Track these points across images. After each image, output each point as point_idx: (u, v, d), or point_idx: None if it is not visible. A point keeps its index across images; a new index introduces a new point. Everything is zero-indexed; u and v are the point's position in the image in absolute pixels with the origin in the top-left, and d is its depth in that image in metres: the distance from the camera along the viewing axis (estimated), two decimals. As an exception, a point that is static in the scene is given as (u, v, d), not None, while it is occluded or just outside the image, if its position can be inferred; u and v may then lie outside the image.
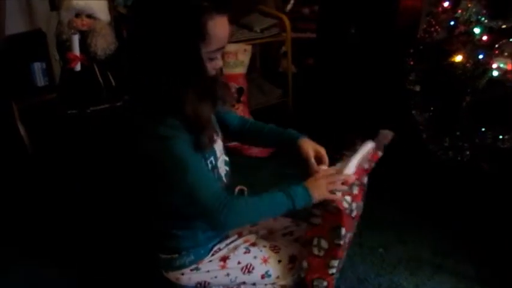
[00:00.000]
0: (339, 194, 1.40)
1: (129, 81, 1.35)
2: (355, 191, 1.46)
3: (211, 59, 1.31)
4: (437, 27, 2.34)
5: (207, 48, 1.25)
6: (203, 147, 1.33)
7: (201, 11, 1.21)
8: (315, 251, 1.48)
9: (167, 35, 1.21)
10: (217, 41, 1.26)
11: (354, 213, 1.48)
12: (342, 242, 1.43)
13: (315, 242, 1.47)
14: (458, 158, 2.22)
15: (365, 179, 1.57)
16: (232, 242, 1.56)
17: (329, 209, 1.42)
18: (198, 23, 1.21)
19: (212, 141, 1.38)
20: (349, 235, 1.49)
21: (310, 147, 1.53)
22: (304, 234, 1.52)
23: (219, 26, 1.25)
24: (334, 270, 1.48)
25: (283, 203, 1.35)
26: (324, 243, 1.46)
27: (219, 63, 1.35)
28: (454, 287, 1.92)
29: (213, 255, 1.51)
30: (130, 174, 2.57)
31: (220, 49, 1.30)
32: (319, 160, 1.51)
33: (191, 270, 1.50)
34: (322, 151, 1.53)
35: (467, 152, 2.22)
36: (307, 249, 1.49)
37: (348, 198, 1.43)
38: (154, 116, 1.27)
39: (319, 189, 1.38)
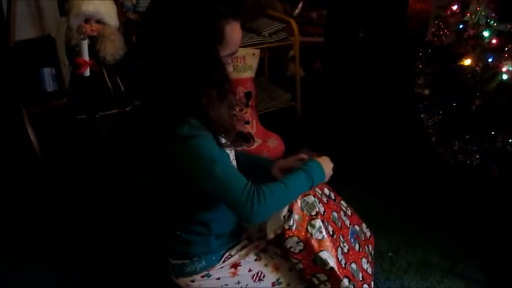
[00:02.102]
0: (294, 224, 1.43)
1: (147, 85, 1.35)
2: (315, 208, 1.46)
3: (224, 64, 1.32)
4: (446, 30, 2.33)
5: (222, 52, 1.28)
6: (224, 147, 1.35)
7: (219, 16, 1.24)
8: (322, 287, 1.49)
9: (187, 38, 1.22)
10: (232, 45, 1.29)
11: (331, 229, 1.49)
12: (333, 264, 1.42)
13: (315, 280, 1.48)
14: (468, 162, 2.21)
15: (326, 191, 1.63)
16: (243, 248, 1.55)
17: (297, 249, 1.45)
18: (216, 27, 1.24)
19: (234, 142, 1.39)
20: (339, 250, 1.48)
21: (278, 171, 1.58)
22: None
23: (235, 31, 1.28)
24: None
25: (304, 183, 1.40)
26: (322, 276, 1.46)
27: (230, 68, 1.37)
28: (464, 291, 1.91)
29: (224, 261, 1.51)
30: (141, 179, 2.60)
31: (233, 54, 1.33)
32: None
33: (202, 276, 1.50)
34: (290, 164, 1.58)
35: (477, 156, 2.21)
36: None
37: (316, 222, 1.45)
38: (176, 118, 1.27)
39: (328, 167, 1.48)
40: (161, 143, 1.32)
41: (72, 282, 2.02)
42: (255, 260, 1.52)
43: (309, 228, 1.44)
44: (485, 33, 2.14)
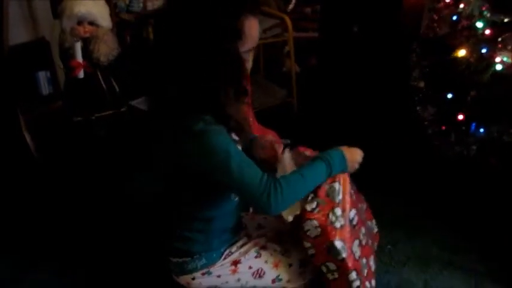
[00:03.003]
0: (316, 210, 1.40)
1: (162, 84, 1.33)
2: (339, 196, 1.43)
3: (244, 60, 1.32)
4: (440, 22, 2.33)
5: (242, 48, 1.27)
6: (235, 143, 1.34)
7: (238, 12, 1.24)
8: (330, 277, 1.46)
9: (207, 35, 1.22)
10: (251, 41, 1.29)
11: (355, 220, 1.47)
12: (345, 255, 1.40)
13: (324, 269, 1.45)
14: (464, 153, 2.21)
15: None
16: (243, 245, 1.55)
17: (314, 233, 1.41)
18: (235, 22, 1.23)
19: (244, 140, 1.40)
20: (356, 242, 1.46)
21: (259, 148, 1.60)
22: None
23: (253, 27, 1.28)
24: (357, 283, 1.44)
25: (322, 172, 1.39)
26: (332, 265, 1.44)
27: (249, 64, 1.36)
28: (464, 282, 1.91)
29: (224, 258, 1.51)
30: (141, 179, 2.60)
31: (251, 50, 1.33)
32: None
33: (202, 274, 1.50)
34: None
35: (474, 147, 2.21)
36: (323, 278, 1.48)
37: (338, 210, 1.42)
38: (192, 116, 1.26)
39: (354, 157, 1.45)
40: (173, 143, 1.32)
41: (73, 282, 2.02)
42: (255, 257, 1.52)
43: (330, 215, 1.41)
44: (479, 24, 2.14)
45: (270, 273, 1.52)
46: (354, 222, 1.46)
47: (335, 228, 1.40)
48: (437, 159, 2.42)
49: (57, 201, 2.50)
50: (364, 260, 1.50)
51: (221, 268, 1.50)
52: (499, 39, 2.02)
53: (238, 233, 1.58)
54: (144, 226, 2.24)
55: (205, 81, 1.25)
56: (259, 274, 1.51)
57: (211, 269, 1.50)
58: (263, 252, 1.54)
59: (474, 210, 2.28)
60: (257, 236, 1.61)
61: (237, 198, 1.49)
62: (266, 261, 1.52)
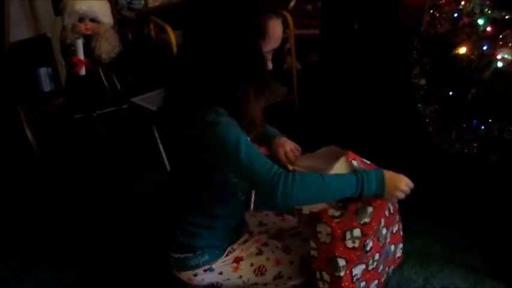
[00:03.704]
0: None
1: (183, 77, 1.35)
2: (366, 218, 1.35)
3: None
4: (441, 19, 2.32)
5: (265, 48, 1.30)
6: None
7: (262, 12, 1.27)
8: (320, 285, 1.43)
9: (232, 33, 1.25)
10: (274, 41, 1.31)
11: (370, 246, 1.38)
12: (342, 274, 1.35)
13: (318, 275, 1.43)
14: (465, 151, 2.20)
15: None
16: (245, 242, 1.56)
17: (323, 239, 1.36)
18: (259, 22, 1.26)
19: (256, 139, 1.41)
20: (361, 266, 1.38)
21: (280, 147, 1.58)
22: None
23: (277, 27, 1.30)
24: None
25: (349, 186, 1.30)
26: (326, 276, 1.41)
27: (270, 64, 1.38)
28: (464, 280, 1.91)
29: (227, 255, 1.51)
30: (142, 177, 2.60)
31: (273, 50, 1.35)
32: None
33: (204, 270, 1.51)
34: (292, 151, 1.58)
35: (475, 145, 2.20)
36: (314, 281, 1.45)
37: (356, 231, 1.34)
38: (208, 109, 1.28)
39: (395, 187, 1.34)
40: (187, 134, 1.33)
41: (74, 281, 2.03)
42: (257, 254, 1.53)
43: (347, 232, 1.34)
44: (480, 21, 2.13)
45: (272, 270, 1.53)
46: (368, 248, 1.38)
47: (345, 246, 1.35)
48: (438, 156, 2.42)
49: (58, 198, 2.51)
50: (363, 284, 1.44)
51: (223, 265, 1.51)
52: (500, 36, 2.01)
53: (241, 230, 1.59)
54: (144, 223, 2.24)
55: (226, 78, 1.27)
56: (260, 271, 1.52)
57: (214, 266, 1.50)
58: (265, 249, 1.54)
59: (475, 208, 2.28)
60: (259, 233, 1.62)
61: (244, 197, 1.50)
62: (268, 259, 1.53)
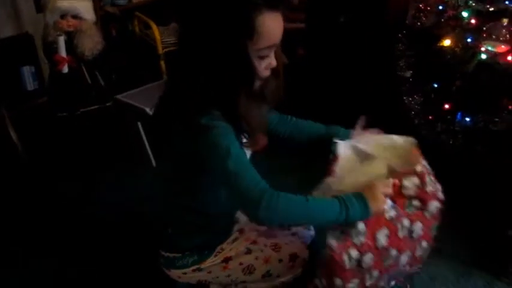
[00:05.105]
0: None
1: (175, 81, 1.32)
2: (361, 238, 1.28)
3: (262, 58, 1.25)
4: (426, 12, 2.32)
5: (256, 46, 1.20)
6: (244, 146, 1.31)
7: (248, 8, 1.16)
8: (318, 283, 1.39)
9: (215, 33, 1.18)
10: (267, 38, 1.21)
11: (368, 265, 1.32)
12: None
13: (318, 282, 1.39)
14: (451, 142, 2.21)
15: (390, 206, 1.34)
16: (234, 240, 1.55)
17: (324, 256, 1.31)
18: (244, 20, 1.16)
19: (255, 145, 1.35)
20: (355, 281, 1.33)
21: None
22: None
23: (270, 22, 1.19)
24: None
25: (334, 211, 1.23)
26: (325, 282, 1.37)
27: (273, 62, 1.29)
28: (451, 270, 1.92)
29: (216, 255, 1.51)
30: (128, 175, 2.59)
31: (272, 47, 1.25)
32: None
33: (193, 270, 1.50)
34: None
35: (460, 136, 2.21)
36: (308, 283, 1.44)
37: (354, 251, 1.29)
38: (200, 110, 1.22)
39: (377, 201, 1.27)
40: (180, 135, 1.30)
41: (61, 279, 2.01)
42: (246, 253, 1.52)
43: (344, 255, 1.29)
44: (465, 14, 2.14)
45: (260, 269, 1.52)
46: (365, 266, 1.33)
47: (343, 268, 1.30)
48: (424, 148, 2.42)
49: (43, 197, 2.49)
50: None
51: (212, 265, 1.50)
52: (484, 28, 2.02)
53: (231, 229, 1.58)
54: (132, 220, 2.23)
55: (216, 80, 1.21)
56: (249, 270, 1.51)
57: (202, 266, 1.50)
58: (253, 248, 1.53)
59: (461, 199, 2.29)
60: (249, 230, 1.61)
61: None
62: (256, 258, 1.52)
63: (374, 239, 1.31)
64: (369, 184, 1.29)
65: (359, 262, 1.31)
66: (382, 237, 1.32)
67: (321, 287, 1.40)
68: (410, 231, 1.38)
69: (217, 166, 1.22)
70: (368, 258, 1.31)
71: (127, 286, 1.95)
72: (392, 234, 1.33)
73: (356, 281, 1.35)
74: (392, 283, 1.53)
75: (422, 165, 1.41)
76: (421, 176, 1.39)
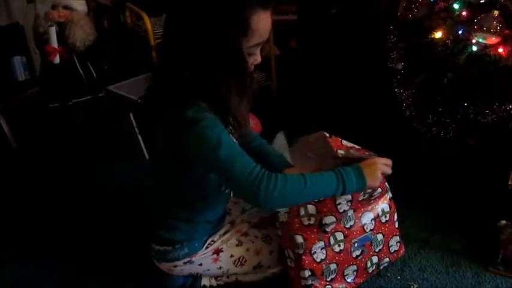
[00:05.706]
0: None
1: (162, 73, 1.33)
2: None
3: (250, 54, 1.29)
4: (417, 4, 2.33)
5: (248, 43, 1.24)
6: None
7: (245, 6, 1.19)
8: (288, 263, 1.48)
9: (210, 28, 1.19)
10: (259, 35, 1.25)
11: (330, 227, 1.45)
12: (301, 252, 1.41)
13: (286, 253, 1.48)
14: (442, 134, 2.22)
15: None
16: (225, 232, 1.56)
17: (281, 218, 1.44)
18: (241, 17, 1.19)
19: (242, 138, 1.38)
20: (320, 244, 1.44)
21: None
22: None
23: (262, 21, 1.23)
24: (309, 282, 1.44)
25: (331, 185, 1.28)
26: (291, 254, 1.46)
27: (258, 58, 1.32)
28: (441, 260, 1.93)
29: (206, 248, 1.52)
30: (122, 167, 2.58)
31: (260, 44, 1.29)
32: None
33: (184, 263, 1.51)
34: None
35: (451, 128, 2.22)
36: (284, 261, 1.50)
37: (311, 207, 1.42)
38: (187, 102, 1.24)
39: (374, 179, 1.34)
40: (168, 129, 1.31)
41: (52, 272, 2.01)
42: (237, 245, 1.54)
43: (301, 209, 1.41)
44: (456, 6, 2.15)
45: (251, 260, 1.54)
46: (327, 229, 1.44)
47: (301, 223, 1.41)
48: (415, 140, 2.44)
49: (35, 189, 2.47)
50: (333, 266, 1.47)
51: (203, 257, 1.52)
52: (475, 20, 2.03)
53: (222, 221, 1.59)
54: (124, 212, 2.23)
55: (206, 73, 1.23)
56: (240, 262, 1.53)
57: (193, 258, 1.51)
58: (244, 240, 1.55)
59: (452, 190, 2.31)
60: (241, 222, 1.62)
61: (228, 190, 1.49)
62: (247, 250, 1.53)
63: (333, 199, 1.44)
64: (370, 161, 1.37)
65: (322, 225, 1.42)
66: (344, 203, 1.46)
67: (290, 262, 1.48)
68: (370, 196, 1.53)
69: (210, 157, 1.23)
70: (330, 220, 1.43)
71: (118, 278, 1.95)
72: (354, 199, 1.49)
73: (321, 244, 1.43)
74: (382, 263, 1.64)
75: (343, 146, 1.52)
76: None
